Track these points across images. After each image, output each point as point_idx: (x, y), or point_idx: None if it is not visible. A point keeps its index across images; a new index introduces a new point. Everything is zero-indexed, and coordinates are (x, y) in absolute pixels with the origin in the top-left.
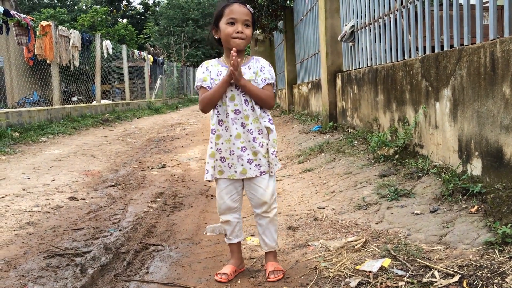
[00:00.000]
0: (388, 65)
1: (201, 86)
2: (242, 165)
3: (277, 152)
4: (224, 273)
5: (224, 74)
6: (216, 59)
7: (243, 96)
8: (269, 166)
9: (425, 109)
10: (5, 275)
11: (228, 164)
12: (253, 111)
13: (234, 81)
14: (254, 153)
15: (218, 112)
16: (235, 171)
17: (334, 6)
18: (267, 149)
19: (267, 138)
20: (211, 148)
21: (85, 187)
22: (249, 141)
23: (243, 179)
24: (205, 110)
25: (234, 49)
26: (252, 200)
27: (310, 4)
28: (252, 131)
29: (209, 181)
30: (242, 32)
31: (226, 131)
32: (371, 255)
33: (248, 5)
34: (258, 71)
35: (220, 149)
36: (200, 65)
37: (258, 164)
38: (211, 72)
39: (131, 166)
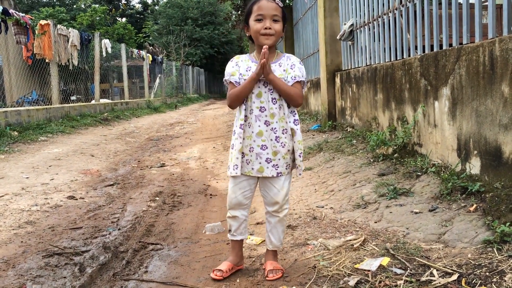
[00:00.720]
0: (387, 64)
1: (230, 82)
2: (260, 163)
3: (297, 159)
4: (220, 270)
5: (253, 70)
6: (247, 54)
7: (271, 94)
8: (286, 168)
9: (424, 108)
10: (3, 274)
11: (246, 160)
12: (279, 109)
13: (264, 75)
14: (274, 153)
15: (244, 107)
16: (252, 168)
17: (333, 5)
18: (288, 150)
19: (290, 139)
20: (240, 143)
21: (84, 186)
22: (271, 140)
23: (258, 177)
24: (232, 106)
25: (265, 46)
26: (265, 197)
27: (309, 3)
28: (276, 130)
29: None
30: (270, 28)
31: (249, 127)
32: (370, 254)
33: (277, 0)
34: (288, 68)
35: (234, 144)
36: (231, 60)
37: (276, 165)
38: (240, 67)
39: (130, 165)
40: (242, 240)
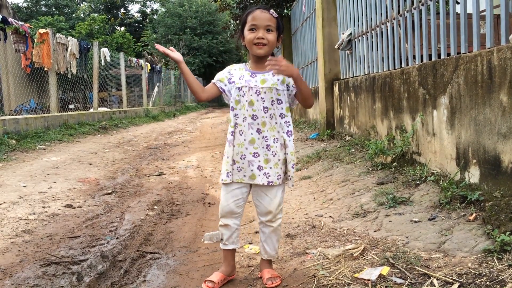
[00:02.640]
0: (385, 73)
1: (213, 83)
2: (252, 170)
3: (289, 170)
4: (211, 281)
5: (246, 79)
6: (243, 63)
7: (263, 103)
8: (277, 178)
9: (422, 116)
10: (0, 283)
11: (238, 167)
12: (271, 119)
13: (289, 73)
14: (266, 161)
15: (236, 115)
16: (244, 175)
17: (331, 14)
18: (279, 159)
19: (281, 149)
20: (232, 150)
21: (82, 194)
22: (262, 147)
23: (251, 185)
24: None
25: (269, 57)
26: (258, 207)
27: (307, 12)
28: (267, 139)
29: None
30: (263, 38)
31: (241, 135)
32: (370, 263)
33: (272, 10)
34: (284, 78)
35: (226, 151)
36: (226, 67)
37: (268, 173)
38: (233, 76)
39: (128, 173)
40: (234, 250)
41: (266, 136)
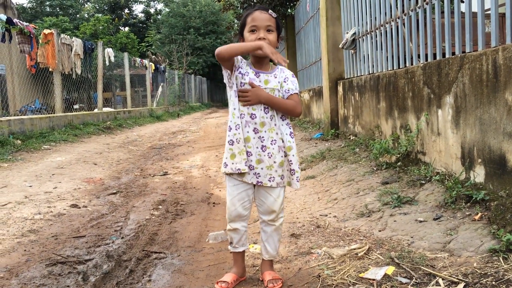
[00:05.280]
0: (390, 73)
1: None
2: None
3: (297, 171)
4: (224, 282)
5: (250, 76)
6: (247, 60)
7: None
8: (269, 180)
9: (427, 116)
10: (7, 283)
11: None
12: (271, 120)
13: (255, 100)
14: (258, 161)
15: (236, 110)
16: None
17: (335, 14)
18: (274, 161)
19: (279, 151)
20: (242, 137)
21: (87, 194)
22: (257, 147)
23: (254, 186)
24: (224, 54)
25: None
26: (261, 207)
27: (311, 12)
28: (264, 139)
29: (241, 173)
30: (264, 38)
31: (241, 118)
32: (375, 262)
33: (270, 11)
34: (282, 81)
35: (238, 139)
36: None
37: (258, 173)
38: (241, 68)
39: (133, 173)
40: (244, 251)
41: (263, 137)
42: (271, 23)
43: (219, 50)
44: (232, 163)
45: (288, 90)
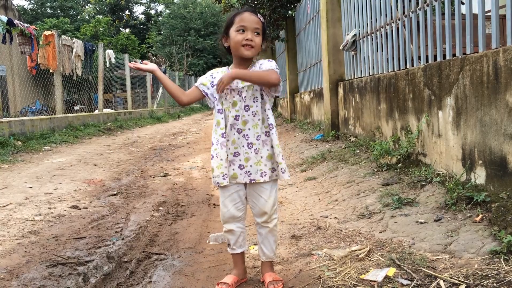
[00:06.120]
0: (390, 74)
1: (196, 86)
2: (234, 169)
3: (281, 162)
4: (225, 283)
5: None
6: (225, 67)
7: (244, 102)
8: (261, 175)
9: (428, 117)
10: (7, 284)
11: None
12: (254, 116)
13: (226, 80)
14: (246, 159)
15: (222, 118)
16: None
17: (336, 15)
18: (262, 156)
19: (265, 145)
20: (226, 152)
21: (87, 195)
22: (242, 146)
23: (245, 187)
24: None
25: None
26: (253, 208)
27: (311, 13)
28: (248, 137)
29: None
30: (251, 40)
31: (223, 137)
32: (376, 264)
33: (259, 14)
34: (258, 69)
35: (218, 154)
36: (209, 71)
37: (249, 171)
38: (215, 79)
39: (133, 174)
40: (243, 253)
41: (247, 135)
42: (259, 26)
43: (183, 103)
44: (213, 177)
45: (265, 69)
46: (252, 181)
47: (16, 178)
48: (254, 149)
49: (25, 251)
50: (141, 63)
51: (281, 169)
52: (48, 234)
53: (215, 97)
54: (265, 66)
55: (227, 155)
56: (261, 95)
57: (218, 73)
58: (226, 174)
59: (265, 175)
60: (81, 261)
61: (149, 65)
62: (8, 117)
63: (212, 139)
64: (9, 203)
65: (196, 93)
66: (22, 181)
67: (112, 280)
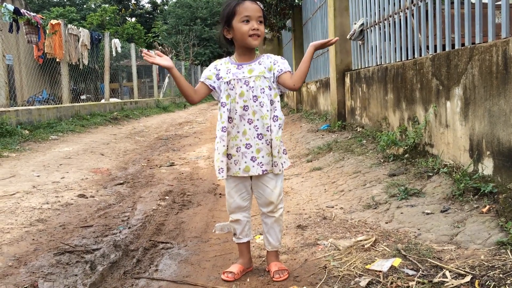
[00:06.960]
0: (398, 64)
1: (202, 82)
2: (246, 162)
3: (284, 150)
4: (231, 272)
5: (234, 71)
6: (228, 57)
7: (252, 92)
8: (273, 165)
9: (435, 108)
10: (15, 271)
11: (235, 161)
12: (261, 107)
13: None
14: (258, 150)
15: (228, 109)
16: (239, 168)
17: (343, 4)
18: (272, 147)
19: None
20: (224, 146)
21: (94, 184)
22: (254, 137)
23: (251, 178)
24: (190, 101)
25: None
26: (259, 199)
27: (319, 2)
28: (258, 128)
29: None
30: (257, 29)
31: (233, 128)
32: (381, 254)
33: (258, 2)
34: (271, 65)
35: (217, 148)
36: (212, 63)
37: (261, 162)
38: (220, 71)
39: (140, 164)
40: (249, 242)
41: (257, 126)
42: (261, 14)
43: (194, 102)
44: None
45: (281, 70)
46: (265, 172)
47: (23, 167)
48: (266, 140)
49: (33, 239)
50: (155, 54)
51: (274, 162)
52: (55, 223)
53: (221, 90)
54: (281, 66)
55: (226, 148)
56: (269, 86)
57: (222, 65)
58: (222, 168)
59: (276, 166)
60: (88, 249)
61: (166, 61)
62: (15, 106)
63: (216, 131)
64: (16, 192)
65: (204, 89)
66: (29, 170)
67: (119, 268)
